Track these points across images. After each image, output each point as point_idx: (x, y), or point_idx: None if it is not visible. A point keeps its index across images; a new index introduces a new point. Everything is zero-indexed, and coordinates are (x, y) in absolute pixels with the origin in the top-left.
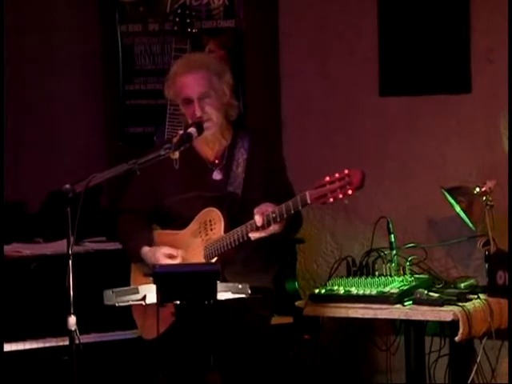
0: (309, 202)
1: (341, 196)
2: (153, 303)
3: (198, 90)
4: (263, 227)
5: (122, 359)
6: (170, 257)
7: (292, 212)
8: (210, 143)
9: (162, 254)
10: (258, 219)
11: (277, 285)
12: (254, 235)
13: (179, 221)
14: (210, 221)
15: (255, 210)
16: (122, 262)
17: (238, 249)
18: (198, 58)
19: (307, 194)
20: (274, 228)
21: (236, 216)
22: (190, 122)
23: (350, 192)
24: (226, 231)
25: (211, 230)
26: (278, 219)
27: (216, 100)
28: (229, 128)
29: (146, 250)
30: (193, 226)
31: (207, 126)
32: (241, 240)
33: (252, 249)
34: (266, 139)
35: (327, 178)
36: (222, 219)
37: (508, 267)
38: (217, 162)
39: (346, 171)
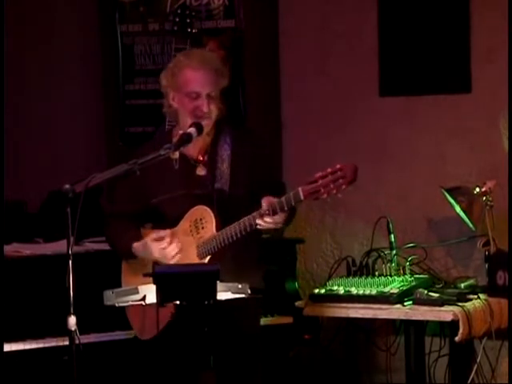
0: (302, 198)
1: (334, 191)
2: (151, 304)
3: (208, 87)
4: (269, 214)
5: (121, 359)
6: (159, 239)
7: (286, 209)
8: (193, 140)
9: (151, 241)
10: (266, 206)
11: (277, 285)
12: (264, 220)
13: (169, 219)
14: (201, 219)
15: (262, 200)
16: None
17: (229, 247)
18: (211, 57)
19: (300, 190)
20: (280, 217)
21: (225, 213)
22: (187, 114)
23: (343, 186)
24: (217, 229)
25: (202, 228)
26: (278, 212)
27: (217, 100)
28: (212, 126)
29: (136, 245)
30: (183, 224)
31: (206, 123)
32: (238, 235)
33: (241, 247)
34: (250, 135)
35: (319, 174)
36: (214, 217)
37: (508, 267)
38: (200, 158)
39: (339, 165)
